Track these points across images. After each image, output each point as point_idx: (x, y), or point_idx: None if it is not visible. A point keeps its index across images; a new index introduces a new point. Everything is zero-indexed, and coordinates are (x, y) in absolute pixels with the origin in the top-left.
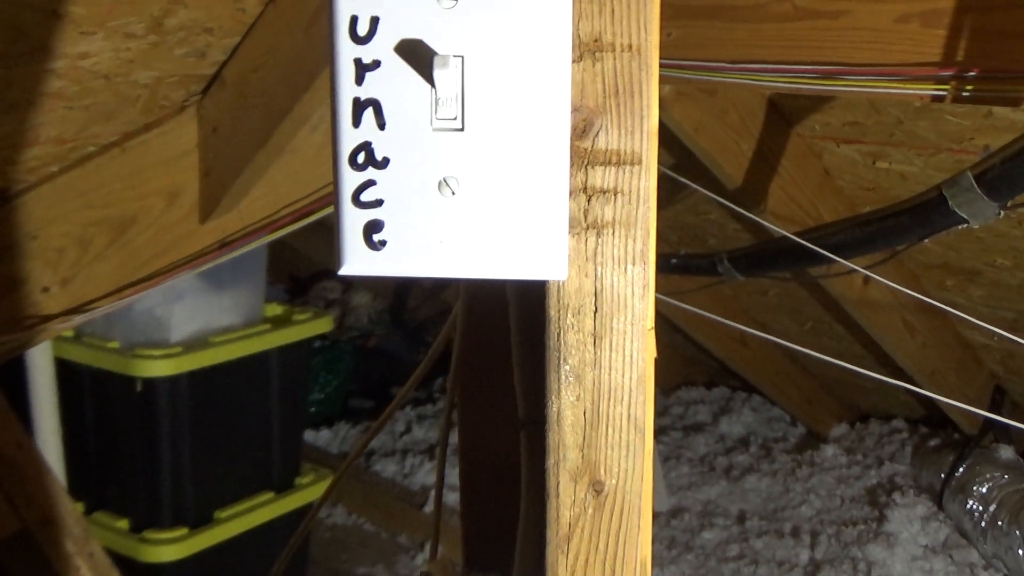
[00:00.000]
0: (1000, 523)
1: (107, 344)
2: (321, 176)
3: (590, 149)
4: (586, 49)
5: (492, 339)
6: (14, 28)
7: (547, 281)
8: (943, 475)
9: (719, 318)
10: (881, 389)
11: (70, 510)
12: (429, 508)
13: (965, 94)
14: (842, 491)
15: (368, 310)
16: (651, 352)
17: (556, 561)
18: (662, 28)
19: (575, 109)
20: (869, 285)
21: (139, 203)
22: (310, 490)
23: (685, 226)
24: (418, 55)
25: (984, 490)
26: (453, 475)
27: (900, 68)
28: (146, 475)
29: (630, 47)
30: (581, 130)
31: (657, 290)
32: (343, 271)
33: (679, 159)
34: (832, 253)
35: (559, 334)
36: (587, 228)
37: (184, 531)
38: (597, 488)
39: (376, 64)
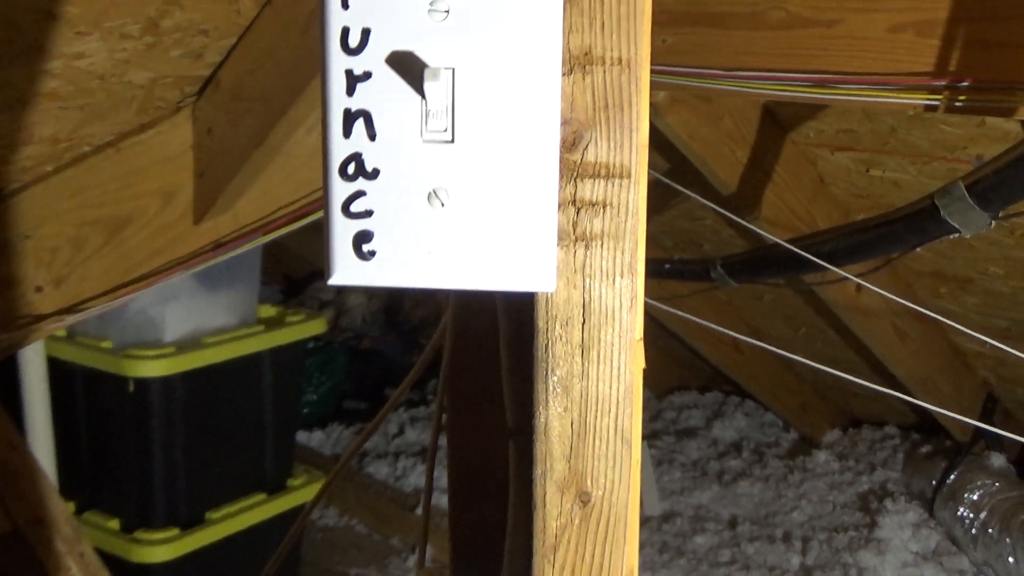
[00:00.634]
0: (991, 530)
1: (100, 344)
2: (316, 178)
3: (579, 162)
4: (576, 62)
5: (482, 349)
6: (9, 28)
7: (536, 292)
8: (935, 482)
9: (711, 324)
10: (874, 395)
11: (61, 510)
12: (421, 510)
13: (958, 104)
14: (834, 497)
15: (363, 311)
16: (639, 363)
17: (542, 571)
18: (657, 35)
19: (565, 122)
20: (862, 292)
21: (133, 203)
22: (302, 491)
23: (680, 231)
24: (409, 67)
25: (975, 497)
26: (446, 479)
27: (893, 77)
28: (138, 475)
29: (620, 60)
30: (571, 143)
31: (652, 295)
32: (333, 281)
33: (674, 164)
34: (825, 260)
35: (547, 345)
36: (576, 240)
37: (175, 532)
38: (584, 499)
39: (367, 75)
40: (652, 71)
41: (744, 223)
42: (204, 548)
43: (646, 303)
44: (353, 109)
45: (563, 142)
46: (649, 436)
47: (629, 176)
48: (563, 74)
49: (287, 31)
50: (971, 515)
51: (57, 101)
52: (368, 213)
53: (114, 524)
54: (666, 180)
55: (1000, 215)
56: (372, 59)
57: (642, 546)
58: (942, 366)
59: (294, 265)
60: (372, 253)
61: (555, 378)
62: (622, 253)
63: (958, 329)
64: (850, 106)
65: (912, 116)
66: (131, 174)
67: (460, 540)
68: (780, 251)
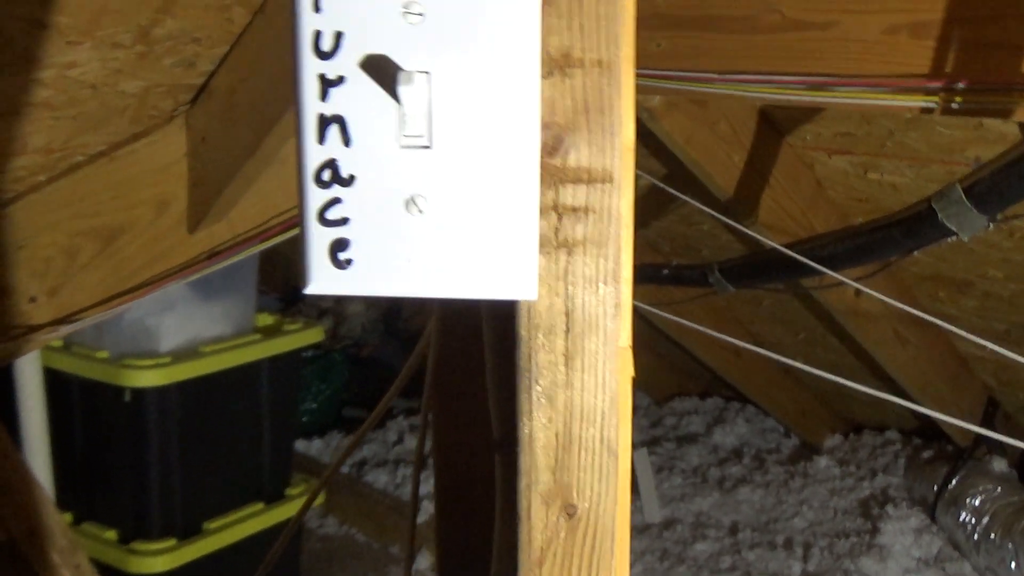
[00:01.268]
0: (993, 536)
1: (96, 354)
2: None
3: (561, 166)
4: (555, 65)
5: (467, 358)
6: (0, 37)
7: (518, 300)
8: (936, 487)
9: (708, 330)
10: (875, 400)
11: (57, 521)
12: (419, 519)
13: (954, 106)
14: (835, 503)
15: (362, 319)
16: (627, 371)
17: None
18: (651, 39)
19: (545, 126)
20: (861, 296)
21: (127, 213)
22: (301, 501)
23: (678, 236)
24: (384, 71)
25: (977, 502)
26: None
27: (889, 79)
28: (135, 486)
29: (600, 63)
30: (551, 147)
31: (650, 300)
32: (309, 290)
33: (671, 169)
34: (822, 265)
35: (530, 354)
36: (558, 247)
37: (172, 542)
38: (569, 511)
39: (341, 80)
40: (647, 75)
41: (741, 228)
42: (202, 558)
43: (645, 309)
44: (327, 114)
45: (544, 146)
46: (649, 443)
47: (612, 180)
48: (542, 77)
49: (279, 38)
50: (973, 520)
51: (50, 111)
52: (344, 221)
53: (111, 535)
54: (662, 185)
55: (998, 218)
56: (346, 63)
57: (643, 553)
58: (942, 370)
59: (293, 274)
60: (349, 261)
61: (539, 388)
62: (605, 259)
63: (957, 333)
64: (847, 109)
65: (909, 119)
66: (125, 183)
67: (447, 550)
68: (777, 256)
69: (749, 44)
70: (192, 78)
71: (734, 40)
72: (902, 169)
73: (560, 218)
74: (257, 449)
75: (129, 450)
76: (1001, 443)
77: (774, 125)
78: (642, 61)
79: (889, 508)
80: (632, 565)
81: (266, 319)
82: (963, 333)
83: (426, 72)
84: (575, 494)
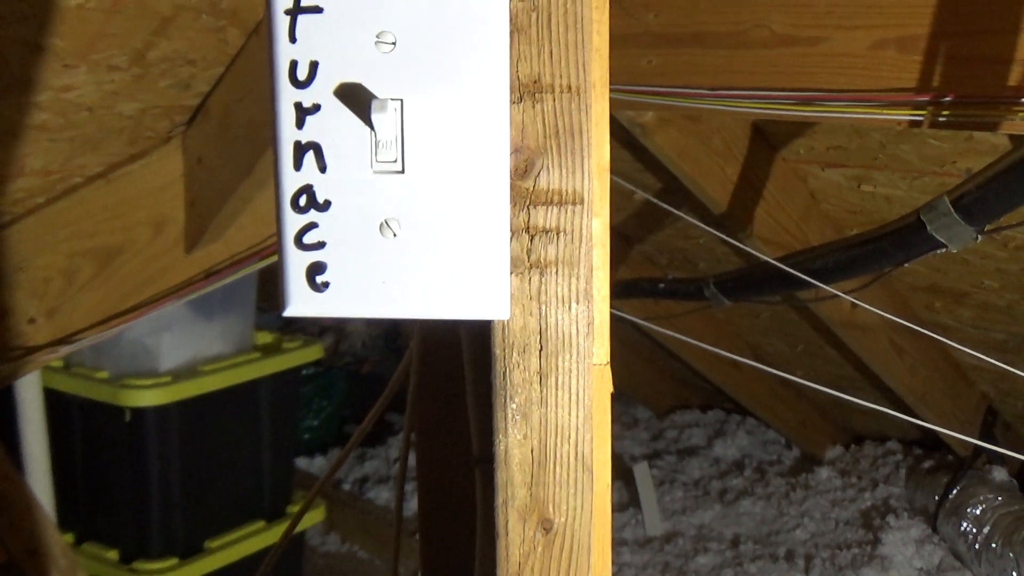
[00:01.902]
0: (994, 545)
1: (96, 374)
2: None
3: (532, 189)
4: (525, 91)
5: (448, 377)
6: None
7: (492, 320)
8: (937, 497)
9: (706, 346)
10: (875, 411)
11: (57, 541)
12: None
13: (942, 119)
14: (836, 514)
15: (362, 336)
16: (604, 388)
17: None
18: (642, 56)
19: (516, 150)
20: (857, 308)
21: (125, 233)
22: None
23: (675, 250)
24: (357, 99)
25: (978, 512)
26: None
27: (877, 94)
28: (135, 505)
29: (569, 88)
30: (523, 170)
31: (649, 314)
32: (287, 312)
33: (665, 184)
34: (816, 277)
35: (505, 372)
36: (530, 267)
37: (174, 561)
38: (546, 526)
39: (316, 108)
40: (639, 92)
41: (735, 243)
42: None
43: (643, 323)
44: (303, 141)
45: (515, 170)
46: (651, 456)
47: (583, 202)
48: (513, 103)
49: None
50: (974, 530)
51: (47, 133)
52: (321, 245)
53: (112, 555)
54: (655, 200)
55: (986, 229)
56: (321, 92)
57: (644, 567)
58: (941, 380)
59: None
60: (326, 284)
61: (514, 405)
62: (577, 279)
63: (953, 346)
64: (839, 122)
65: (901, 131)
66: (122, 204)
67: (430, 566)
68: (771, 269)
69: (739, 60)
70: (188, 99)
71: (724, 56)
72: (895, 181)
73: (532, 239)
74: (258, 467)
75: (129, 469)
76: (1001, 452)
77: (767, 139)
78: (634, 78)
79: (890, 519)
80: None
81: (265, 337)
82: (958, 346)
83: (399, 99)
84: (551, 509)
